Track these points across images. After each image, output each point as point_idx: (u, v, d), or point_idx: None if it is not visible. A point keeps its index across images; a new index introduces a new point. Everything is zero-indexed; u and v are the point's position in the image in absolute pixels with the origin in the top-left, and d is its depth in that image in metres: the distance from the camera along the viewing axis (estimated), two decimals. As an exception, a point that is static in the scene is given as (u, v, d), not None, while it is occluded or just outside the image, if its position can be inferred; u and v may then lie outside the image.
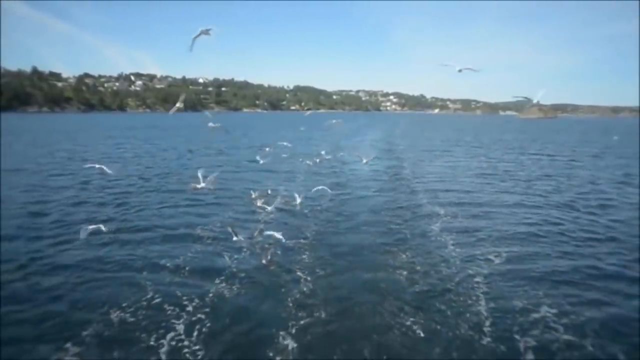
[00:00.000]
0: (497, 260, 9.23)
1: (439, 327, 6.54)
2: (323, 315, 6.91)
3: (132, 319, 6.65)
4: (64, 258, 9.16)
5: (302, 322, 6.67)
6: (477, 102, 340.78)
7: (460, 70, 8.19)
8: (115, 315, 6.72)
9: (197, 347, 5.96)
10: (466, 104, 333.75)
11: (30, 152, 29.01)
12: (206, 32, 7.18)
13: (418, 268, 8.87)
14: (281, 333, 6.31)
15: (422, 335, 6.34)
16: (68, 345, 5.91)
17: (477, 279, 8.25)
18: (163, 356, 5.76)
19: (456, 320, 6.69)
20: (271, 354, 5.82)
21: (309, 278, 8.30)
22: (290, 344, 6.06)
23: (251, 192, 14.04)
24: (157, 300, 7.25)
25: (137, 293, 7.51)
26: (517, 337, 6.31)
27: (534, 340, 6.19)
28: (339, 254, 9.71)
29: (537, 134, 65.20)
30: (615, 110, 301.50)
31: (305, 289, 7.86)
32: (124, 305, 7.06)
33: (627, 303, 7.50)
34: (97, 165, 8.53)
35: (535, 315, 6.90)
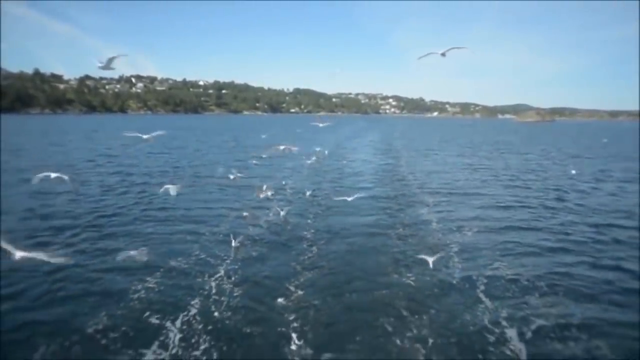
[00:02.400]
0: (469, 233, 11.27)
1: (427, 278, 8.24)
2: (323, 273, 8.52)
3: (179, 272, 8.18)
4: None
5: (304, 278, 8.23)
6: (476, 105, 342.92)
7: (443, 54, 7.70)
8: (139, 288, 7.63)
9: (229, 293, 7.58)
10: (465, 108, 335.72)
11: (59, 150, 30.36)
12: (112, 59, 7.23)
13: (407, 238, 10.86)
14: (288, 287, 7.83)
15: (412, 284, 8.03)
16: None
17: (452, 246, 10.18)
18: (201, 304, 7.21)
19: (432, 273, 8.36)
20: (279, 303, 7.25)
21: (313, 248, 9.94)
22: (296, 294, 7.56)
23: (263, 185, 15.65)
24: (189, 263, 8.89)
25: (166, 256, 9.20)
26: (476, 281, 8.11)
27: (485, 286, 7.97)
28: (339, 230, 11.40)
29: (530, 136, 66.98)
30: (614, 114, 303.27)
31: (309, 254, 9.54)
32: (154, 269, 8.49)
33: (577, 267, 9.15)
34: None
35: (493, 272, 8.65)
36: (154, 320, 6.43)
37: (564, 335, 6.22)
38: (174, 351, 5.67)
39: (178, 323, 6.35)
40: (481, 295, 7.52)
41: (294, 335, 6.14)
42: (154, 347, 5.75)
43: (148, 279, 7.91)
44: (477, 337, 6.17)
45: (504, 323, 6.51)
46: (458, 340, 6.07)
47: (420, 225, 12.10)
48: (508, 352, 5.81)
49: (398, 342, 6.07)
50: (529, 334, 6.22)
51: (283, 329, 6.31)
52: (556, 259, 9.50)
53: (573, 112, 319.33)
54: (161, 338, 5.96)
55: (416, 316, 6.77)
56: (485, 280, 8.13)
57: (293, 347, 5.90)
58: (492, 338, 6.13)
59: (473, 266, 8.88)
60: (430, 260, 8.02)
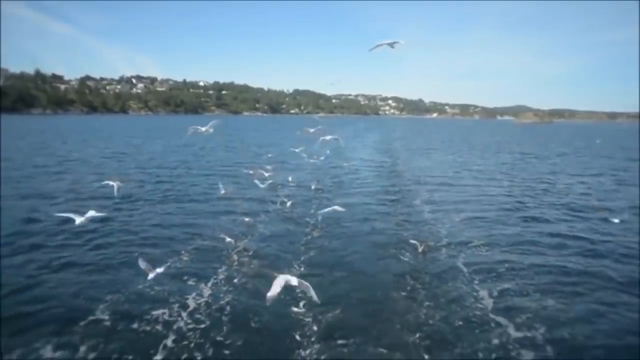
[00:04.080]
0: (457, 219, 12.68)
1: (419, 257, 9.39)
2: (323, 252, 9.77)
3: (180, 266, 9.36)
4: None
5: (305, 257, 9.41)
6: (476, 106, 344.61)
7: (392, 46, 7.34)
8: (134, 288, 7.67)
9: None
10: (464, 109, 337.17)
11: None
12: None
13: (401, 224, 12.19)
14: (294, 264, 8.97)
15: (406, 260, 9.25)
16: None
17: (440, 230, 11.55)
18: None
19: (421, 253, 9.52)
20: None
21: (314, 232, 11.20)
22: (299, 270, 8.62)
23: (269, 179, 17.12)
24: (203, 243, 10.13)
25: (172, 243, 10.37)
26: (458, 256, 9.41)
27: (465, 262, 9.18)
28: (339, 218, 12.40)
29: (525, 136, 68.36)
30: (612, 116, 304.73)
31: (311, 237, 10.81)
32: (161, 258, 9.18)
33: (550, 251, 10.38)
34: None
35: (473, 250, 9.92)
36: (191, 282, 7.90)
37: (526, 298, 7.52)
38: (208, 300, 7.15)
39: (209, 284, 7.82)
40: (462, 267, 8.81)
41: (299, 303, 7.11)
42: (193, 295, 7.29)
43: (182, 251, 9.42)
44: (459, 305, 7.20)
45: (482, 292, 7.71)
46: (444, 308, 7.04)
47: (413, 213, 13.46)
48: (479, 312, 6.98)
49: (387, 309, 7.05)
50: (498, 299, 7.51)
51: (288, 296, 7.25)
52: (527, 237, 11.08)
53: (572, 113, 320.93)
54: (198, 291, 7.46)
55: (404, 287, 7.92)
56: (465, 256, 9.46)
57: (296, 309, 6.97)
58: (468, 301, 7.33)
59: (458, 247, 10.12)
60: (420, 245, 9.39)
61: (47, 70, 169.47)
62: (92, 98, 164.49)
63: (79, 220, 6.86)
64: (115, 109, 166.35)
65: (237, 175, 18.86)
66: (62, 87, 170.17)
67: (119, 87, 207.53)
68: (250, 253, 9.39)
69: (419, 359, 5.71)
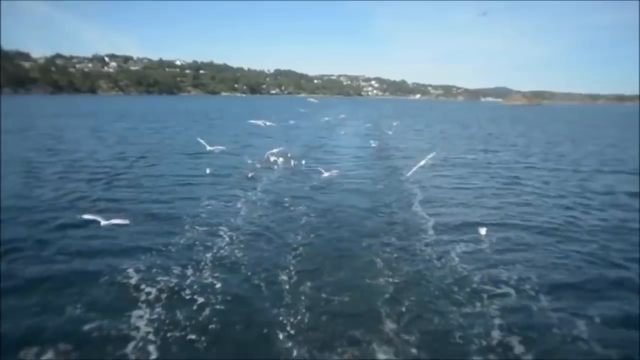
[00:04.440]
0: (443, 209, 12.27)
1: (405, 242, 9.29)
2: (313, 238, 9.42)
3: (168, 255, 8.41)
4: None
5: (300, 237, 9.38)
6: (458, 88, 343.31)
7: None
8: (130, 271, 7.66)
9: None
10: (447, 90, 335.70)
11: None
12: None
13: (392, 215, 11.76)
14: (290, 254, 8.49)
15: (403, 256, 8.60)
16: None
17: (430, 216, 11.25)
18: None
19: (409, 244, 9.18)
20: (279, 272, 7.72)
21: (303, 218, 10.86)
22: (291, 263, 8.07)
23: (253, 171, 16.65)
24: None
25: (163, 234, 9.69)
26: (449, 247, 8.96)
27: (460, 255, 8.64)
28: (331, 203, 12.47)
29: (534, 123, 60.85)
30: (594, 97, 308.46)
31: (302, 223, 10.49)
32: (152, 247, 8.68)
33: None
34: None
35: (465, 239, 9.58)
36: (196, 255, 8.14)
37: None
38: (205, 281, 7.09)
39: (207, 261, 7.89)
40: (453, 253, 8.59)
41: (286, 294, 6.82)
42: (191, 271, 7.43)
43: (177, 231, 9.50)
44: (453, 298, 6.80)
45: (474, 279, 7.35)
46: (438, 298, 6.79)
47: (402, 191, 13.72)
48: (468, 298, 6.77)
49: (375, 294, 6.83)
50: (495, 296, 6.90)
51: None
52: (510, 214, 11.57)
53: (552, 95, 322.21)
54: (196, 263, 7.68)
55: (392, 275, 7.52)
56: (457, 247, 9.03)
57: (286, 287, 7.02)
58: (459, 290, 7.01)
59: (446, 235, 9.72)
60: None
61: (23, 49, 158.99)
62: (58, 77, 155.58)
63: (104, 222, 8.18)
64: (83, 88, 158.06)
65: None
66: (27, 64, 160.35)
67: (90, 65, 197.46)
68: (241, 238, 9.22)
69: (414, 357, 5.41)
